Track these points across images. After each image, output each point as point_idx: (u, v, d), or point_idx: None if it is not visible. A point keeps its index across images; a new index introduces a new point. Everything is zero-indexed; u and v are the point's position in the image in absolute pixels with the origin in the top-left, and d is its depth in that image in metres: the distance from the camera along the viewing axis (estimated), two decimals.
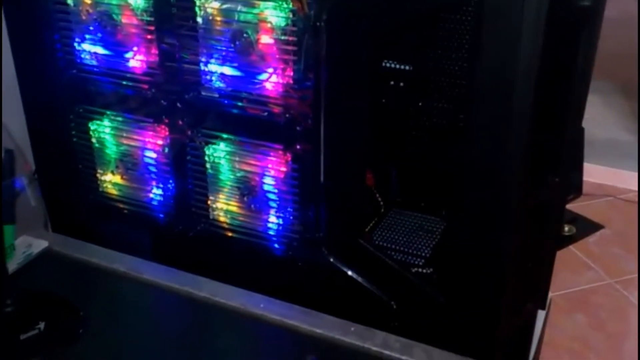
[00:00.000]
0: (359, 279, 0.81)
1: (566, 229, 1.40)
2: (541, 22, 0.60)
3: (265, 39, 0.74)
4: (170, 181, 0.89)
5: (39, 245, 0.92)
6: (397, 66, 0.73)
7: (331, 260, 0.82)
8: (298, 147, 0.78)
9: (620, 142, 2.56)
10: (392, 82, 0.74)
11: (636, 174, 2.24)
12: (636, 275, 1.24)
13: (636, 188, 2.12)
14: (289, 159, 0.80)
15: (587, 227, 1.47)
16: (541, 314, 0.86)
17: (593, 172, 2.42)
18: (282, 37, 0.73)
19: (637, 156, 2.22)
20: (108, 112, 0.89)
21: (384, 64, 0.74)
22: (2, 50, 0.86)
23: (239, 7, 0.74)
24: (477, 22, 0.63)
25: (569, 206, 1.44)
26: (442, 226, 0.93)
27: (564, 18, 0.61)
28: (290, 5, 0.71)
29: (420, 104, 0.74)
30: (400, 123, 0.77)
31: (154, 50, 0.81)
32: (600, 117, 2.76)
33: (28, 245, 0.92)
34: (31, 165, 0.96)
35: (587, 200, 2.30)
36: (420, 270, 0.84)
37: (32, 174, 0.95)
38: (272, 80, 0.76)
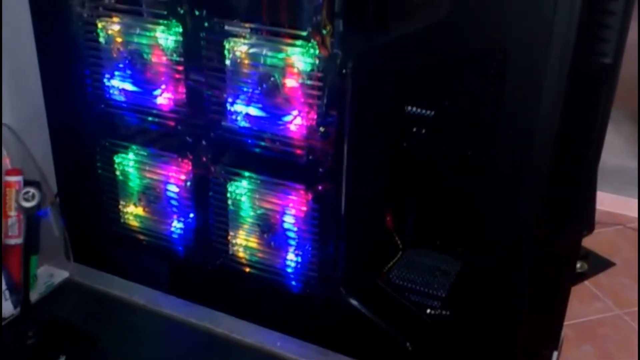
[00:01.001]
0: (376, 319, 0.82)
1: (578, 265, 1.39)
2: (563, 78, 0.61)
3: (291, 83, 0.76)
4: (191, 215, 0.91)
5: (60, 275, 0.94)
6: (420, 111, 0.75)
7: (349, 299, 0.83)
8: (319, 187, 0.80)
9: (630, 169, 2.55)
10: (414, 129, 0.76)
11: None
12: None
13: None
14: (310, 198, 0.81)
15: (598, 263, 1.46)
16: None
17: (603, 200, 2.41)
18: (308, 82, 0.75)
19: None
20: (133, 146, 0.91)
21: (407, 109, 0.76)
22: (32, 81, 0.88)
23: (266, 52, 0.76)
24: (500, 74, 0.65)
25: None
26: (458, 266, 0.94)
27: (585, 74, 0.63)
28: (317, 51, 0.73)
29: (441, 149, 0.75)
30: (421, 167, 0.79)
31: (182, 89, 0.83)
32: (610, 145, 2.76)
33: (50, 275, 0.94)
34: (53, 191, 0.98)
35: (597, 229, 2.29)
36: (436, 312, 0.85)
37: (55, 201, 0.97)
38: (296, 123, 0.78)
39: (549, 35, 0.60)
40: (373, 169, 0.77)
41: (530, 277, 0.73)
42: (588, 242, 1.91)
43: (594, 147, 0.73)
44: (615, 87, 0.67)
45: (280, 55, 0.75)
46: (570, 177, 0.70)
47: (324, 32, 0.72)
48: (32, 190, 0.77)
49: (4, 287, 0.87)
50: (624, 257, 1.53)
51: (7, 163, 0.87)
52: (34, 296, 0.89)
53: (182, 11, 0.79)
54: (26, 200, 0.77)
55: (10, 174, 0.86)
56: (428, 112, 0.74)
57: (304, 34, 0.73)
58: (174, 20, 0.80)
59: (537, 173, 0.66)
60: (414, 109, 0.74)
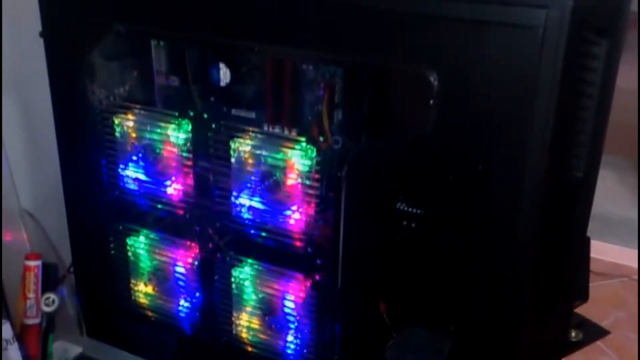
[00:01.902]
0: None
1: (573, 334, 1.41)
2: (539, 191, 0.67)
3: (291, 181, 0.82)
4: (198, 295, 0.97)
5: (74, 350, 0.99)
6: (409, 209, 0.80)
7: None
8: (317, 277, 0.85)
9: (635, 220, 2.55)
10: (404, 222, 0.81)
11: None
12: None
13: None
14: (308, 286, 0.87)
15: (594, 331, 1.49)
16: None
17: (608, 251, 2.42)
18: (306, 181, 0.81)
19: None
20: (144, 230, 0.97)
21: (397, 206, 0.82)
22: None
23: (268, 153, 0.82)
24: (480, 184, 0.71)
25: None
26: (449, 344, 0.98)
27: (562, 186, 0.68)
28: (314, 154, 0.79)
29: (429, 242, 0.81)
30: (412, 256, 0.84)
31: (190, 181, 0.90)
32: (614, 194, 2.78)
33: (64, 350, 0.99)
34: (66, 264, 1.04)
35: (602, 280, 2.30)
36: None
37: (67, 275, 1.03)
38: (295, 217, 0.84)
39: (524, 156, 0.66)
40: (367, 259, 0.83)
41: (520, 354, 0.78)
42: (593, 293, 1.94)
43: (577, 242, 0.78)
44: (592, 195, 0.72)
45: (281, 156, 0.82)
46: (557, 263, 0.76)
47: (321, 139, 0.79)
48: (52, 296, 0.83)
49: None
50: (629, 310, 1.53)
51: (27, 247, 0.94)
52: None
53: (191, 113, 0.86)
54: (47, 305, 0.84)
55: (29, 258, 0.93)
56: (417, 210, 0.79)
57: (303, 139, 0.80)
58: (184, 120, 0.87)
59: (519, 272, 0.72)
60: (404, 207, 0.80)
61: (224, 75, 0.85)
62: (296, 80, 0.81)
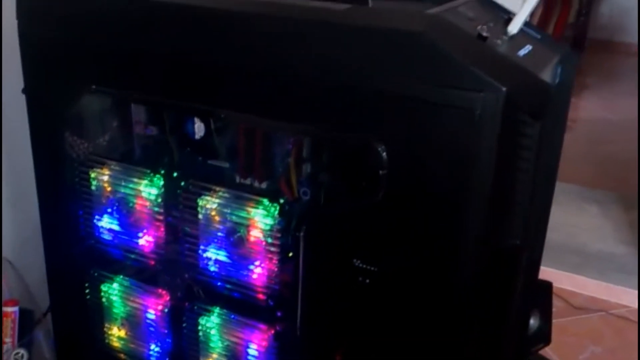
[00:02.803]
0: None
1: None
2: (477, 259, 0.72)
3: (254, 238, 0.87)
4: (168, 340, 1.01)
5: None
6: (364, 266, 0.85)
7: None
8: (278, 328, 0.90)
9: (616, 255, 2.59)
10: (360, 278, 0.86)
11: (629, 290, 2.25)
12: None
13: (629, 304, 2.12)
14: (270, 336, 0.91)
15: None
16: None
17: (587, 286, 2.46)
18: (268, 239, 0.86)
19: (633, 270, 2.22)
20: (118, 277, 1.02)
21: (354, 263, 0.87)
22: None
23: (233, 211, 0.88)
24: (423, 247, 0.76)
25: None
26: None
27: (496, 251, 0.74)
28: (275, 214, 0.85)
29: (383, 297, 0.86)
30: (366, 311, 0.89)
31: (161, 234, 0.95)
32: (597, 229, 2.82)
33: None
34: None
35: (579, 315, 2.34)
36: None
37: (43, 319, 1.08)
38: (257, 271, 0.89)
39: (461, 222, 0.72)
40: (325, 312, 0.87)
41: None
42: (570, 327, 1.97)
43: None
44: (539, 258, 0.77)
45: (244, 215, 0.87)
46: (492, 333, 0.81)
47: (281, 200, 0.84)
48: (21, 351, 0.88)
49: None
50: (606, 345, 1.56)
51: (7, 293, 0.98)
52: None
53: (162, 171, 0.91)
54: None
55: (7, 304, 0.97)
56: (372, 267, 0.84)
57: (265, 200, 0.85)
58: (156, 176, 0.92)
59: (459, 328, 0.77)
60: (360, 264, 0.85)
61: (198, 130, 0.91)
62: (266, 137, 0.87)
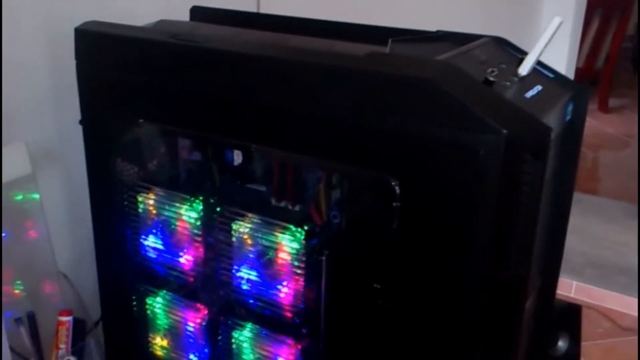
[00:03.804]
0: None
1: None
2: (480, 287, 0.79)
3: (282, 260, 0.95)
4: (205, 351, 1.10)
5: None
6: (382, 289, 0.92)
7: None
8: (303, 343, 0.97)
9: None
10: (379, 301, 0.93)
11: None
12: None
13: None
14: (297, 350, 0.99)
15: None
16: None
17: (636, 306, 2.43)
18: (295, 262, 0.94)
19: None
20: (161, 292, 1.11)
21: (374, 286, 0.94)
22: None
23: (263, 235, 0.96)
24: (434, 275, 0.83)
25: None
26: None
27: (500, 282, 0.80)
28: (302, 239, 0.92)
29: (401, 319, 0.92)
30: (385, 331, 0.95)
31: (199, 254, 1.04)
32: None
33: None
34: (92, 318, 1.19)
35: (627, 336, 2.33)
36: None
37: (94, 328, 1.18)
38: (284, 291, 0.96)
39: (468, 251, 0.78)
40: (347, 330, 0.95)
41: None
42: (618, 348, 1.97)
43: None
44: (554, 284, 0.82)
45: (273, 239, 0.95)
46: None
47: (306, 227, 0.92)
48: (73, 358, 0.98)
49: None
50: None
51: (61, 303, 1.09)
52: None
53: (201, 197, 1.00)
54: None
55: (62, 314, 1.08)
56: (389, 291, 0.91)
57: (292, 226, 0.93)
58: (195, 202, 1.01)
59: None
60: (378, 286, 0.92)
61: (237, 158, 1.00)
62: (297, 167, 0.95)
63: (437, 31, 0.99)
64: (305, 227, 0.91)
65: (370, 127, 0.82)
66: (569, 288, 2.50)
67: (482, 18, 2.35)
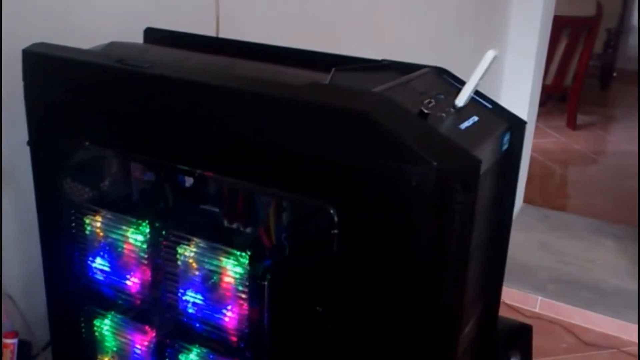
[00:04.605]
0: None
1: None
2: (413, 312, 0.80)
3: (226, 285, 0.96)
4: None
5: None
6: (325, 313, 0.93)
7: None
8: None
9: (629, 291, 2.59)
10: (322, 324, 0.94)
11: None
12: None
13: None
14: None
15: None
16: None
17: (599, 322, 2.48)
18: (239, 286, 0.95)
19: None
20: (109, 314, 1.11)
21: (317, 310, 0.95)
22: None
23: (208, 259, 0.96)
24: (374, 299, 0.84)
25: None
26: None
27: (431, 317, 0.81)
28: (245, 264, 0.93)
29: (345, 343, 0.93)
30: (331, 356, 0.96)
31: (146, 277, 1.04)
32: (612, 264, 2.84)
33: None
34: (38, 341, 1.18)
35: (590, 351, 2.36)
36: None
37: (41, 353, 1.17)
38: (229, 315, 0.97)
39: (406, 277, 0.79)
40: (292, 354, 0.96)
41: None
42: None
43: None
44: (495, 308, 0.84)
45: (217, 263, 0.96)
46: None
47: (249, 252, 0.92)
48: None
49: None
50: None
51: (7, 326, 1.08)
52: None
53: (147, 221, 1.01)
54: None
55: (7, 336, 1.07)
56: (332, 314, 0.92)
57: (235, 251, 0.93)
58: (142, 225, 1.02)
59: None
60: (321, 310, 0.93)
61: (187, 180, 1.00)
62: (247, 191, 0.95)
63: (382, 60, 1.01)
64: (249, 252, 0.92)
65: (308, 156, 0.83)
66: (533, 303, 2.54)
67: (451, 38, 2.39)
